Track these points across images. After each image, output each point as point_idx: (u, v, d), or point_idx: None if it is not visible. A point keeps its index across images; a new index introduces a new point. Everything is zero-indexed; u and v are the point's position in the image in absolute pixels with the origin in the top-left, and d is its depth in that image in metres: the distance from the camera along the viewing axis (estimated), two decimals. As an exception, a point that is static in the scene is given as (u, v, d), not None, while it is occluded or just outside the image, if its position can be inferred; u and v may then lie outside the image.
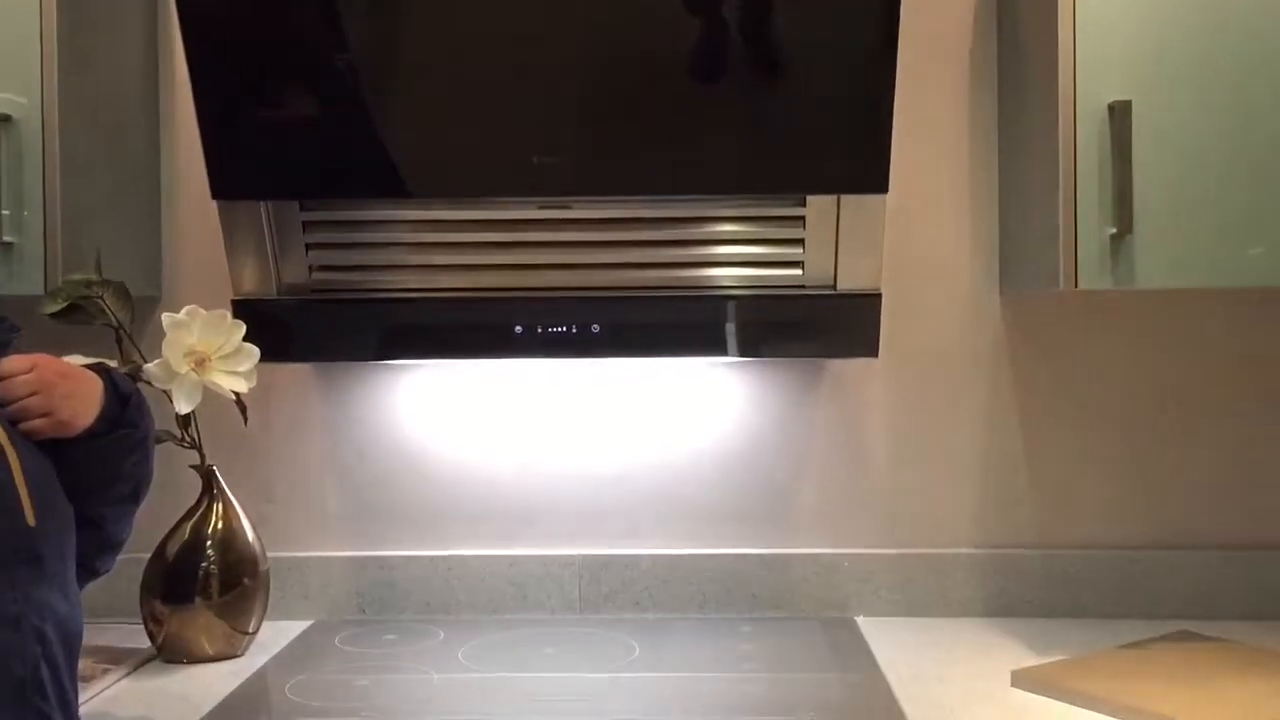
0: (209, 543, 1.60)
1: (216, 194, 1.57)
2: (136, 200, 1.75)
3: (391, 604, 1.77)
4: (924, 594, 1.74)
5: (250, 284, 1.64)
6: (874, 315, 1.61)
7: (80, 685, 1.43)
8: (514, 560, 1.77)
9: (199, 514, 1.61)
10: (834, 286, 1.61)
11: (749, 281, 1.62)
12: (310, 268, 1.64)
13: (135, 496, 1.32)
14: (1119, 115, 1.42)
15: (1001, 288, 1.76)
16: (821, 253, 1.60)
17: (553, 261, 1.61)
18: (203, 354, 1.52)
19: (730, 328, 1.61)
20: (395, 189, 1.55)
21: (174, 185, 1.79)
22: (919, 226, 1.75)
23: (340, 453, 1.80)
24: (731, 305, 1.61)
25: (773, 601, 1.75)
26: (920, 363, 1.76)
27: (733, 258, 1.62)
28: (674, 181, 1.54)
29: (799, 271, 1.61)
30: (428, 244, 1.63)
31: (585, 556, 1.77)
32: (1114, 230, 1.43)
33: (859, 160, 1.52)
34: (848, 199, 1.56)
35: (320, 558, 1.78)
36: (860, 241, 1.58)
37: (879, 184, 1.52)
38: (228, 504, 1.63)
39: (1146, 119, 1.43)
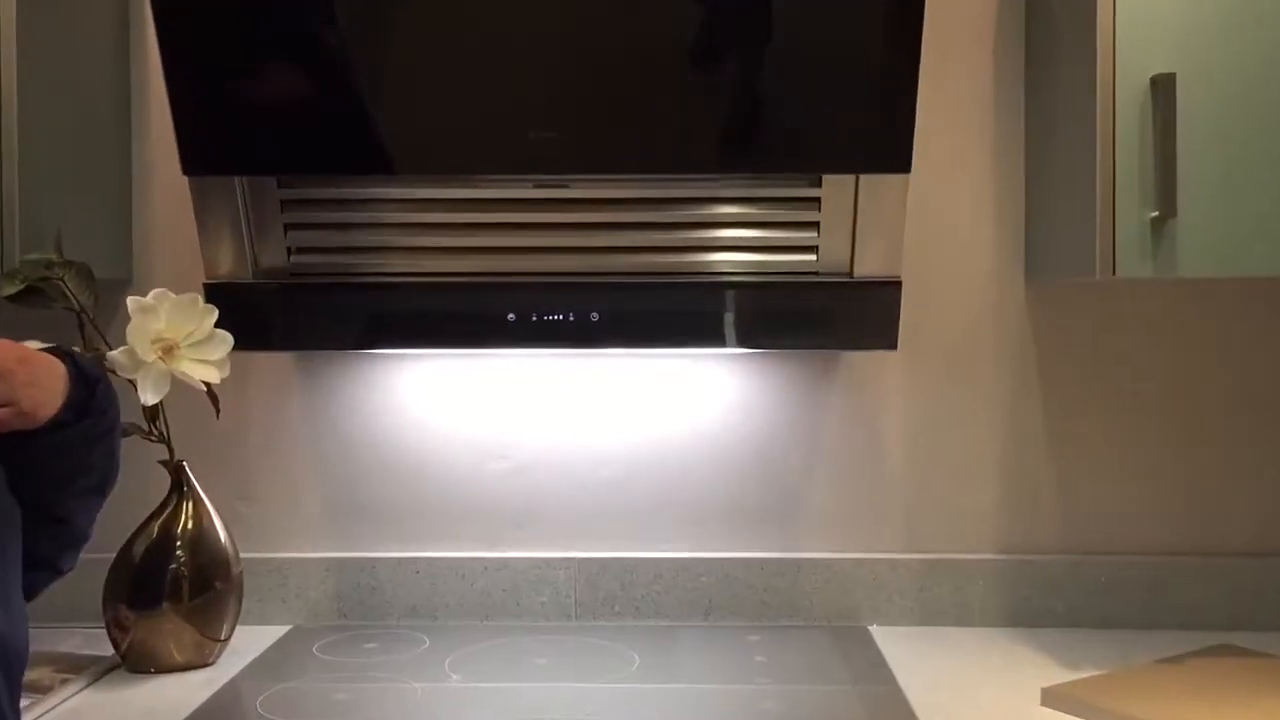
0: (178, 543, 1.53)
1: (188, 169, 1.49)
2: (105, 177, 1.68)
3: (375, 609, 1.71)
4: (942, 602, 1.69)
5: (225, 267, 1.57)
6: (893, 304, 1.54)
7: (37, 696, 1.40)
8: (506, 563, 1.71)
9: (167, 513, 1.54)
10: (850, 273, 1.54)
11: (760, 267, 1.55)
12: (289, 250, 1.56)
13: (102, 489, 1.24)
14: (1163, 89, 1.35)
15: (1028, 276, 1.69)
16: (837, 237, 1.52)
17: (549, 244, 1.54)
18: (171, 341, 1.45)
19: (739, 316, 1.55)
20: (380, 165, 1.48)
21: (146, 161, 1.72)
22: (940, 210, 1.68)
23: (320, 448, 1.73)
24: (741, 293, 1.54)
25: (782, 608, 1.69)
26: (941, 355, 1.70)
27: (743, 242, 1.55)
28: (681, 159, 1.47)
29: (813, 257, 1.54)
30: (415, 225, 1.55)
31: (582, 559, 1.71)
32: (1156, 214, 1.36)
33: (880, 137, 1.46)
34: (867, 179, 1.48)
35: (299, 559, 1.72)
36: (879, 225, 1.51)
37: (901, 163, 1.45)
38: (198, 502, 1.56)
39: (1193, 93, 1.35)
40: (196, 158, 1.48)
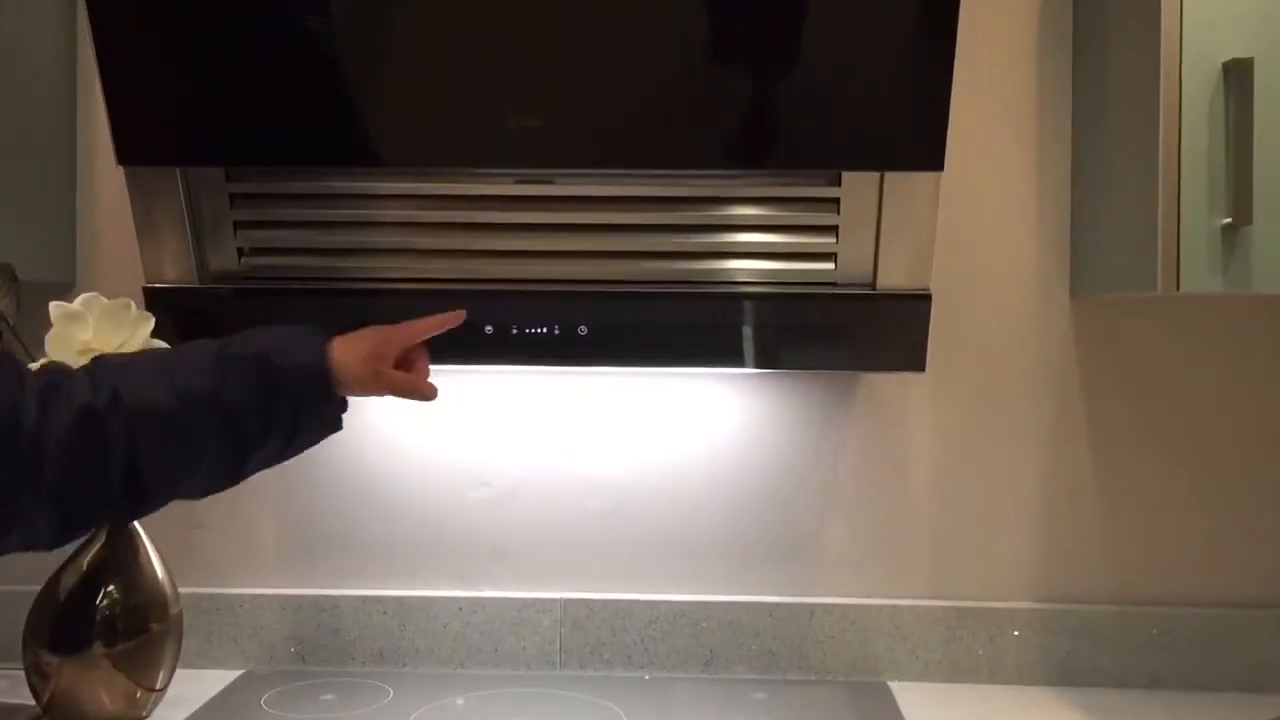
0: (110, 579, 1.40)
1: (122, 159, 1.38)
2: (44, 173, 1.58)
3: (336, 653, 1.61)
4: (973, 656, 1.59)
5: (169, 269, 1.45)
6: (920, 320, 1.44)
7: (-57, 754, 1.24)
8: (483, 604, 1.61)
9: (98, 544, 1.41)
10: (873, 285, 1.44)
11: (770, 276, 1.44)
12: (239, 250, 1.45)
13: None
14: (1237, 77, 1.25)
15: (1073, 289, 1.59)
16: (858, 243, 1.42)
17: (531, 248, 1.44)
18: (99, 352, 1.31)
19: (746, 332, 1.45)
20: (340, 156, 1.39)
21: (93, 154, 1.62)
22: (974, 214, 1.58)
23: (279, 472, 1.54)
24: (748, 305, 1.44)
25: (791, 660, 1.60)
26: (973, 378, 1.61)
27: (751, 247, 1.44)
28: (680, 154, 1.38)
29: (831, 265, 1.44)
30: (380, 224, 1.45)
31: (568, 601, 1.61)
32: (1228, 220, 1.27)
33: (908, 130, 1.36)
34: (893, 178, 1.39)
35: (253, 595, 1.62)
36: (906, 230, 1.41)
37: (932, 159, 1.35)
38: (133, 533, 1.42)
39: (1271, 81, 1.25)
40: (132, 146, 1.37)
